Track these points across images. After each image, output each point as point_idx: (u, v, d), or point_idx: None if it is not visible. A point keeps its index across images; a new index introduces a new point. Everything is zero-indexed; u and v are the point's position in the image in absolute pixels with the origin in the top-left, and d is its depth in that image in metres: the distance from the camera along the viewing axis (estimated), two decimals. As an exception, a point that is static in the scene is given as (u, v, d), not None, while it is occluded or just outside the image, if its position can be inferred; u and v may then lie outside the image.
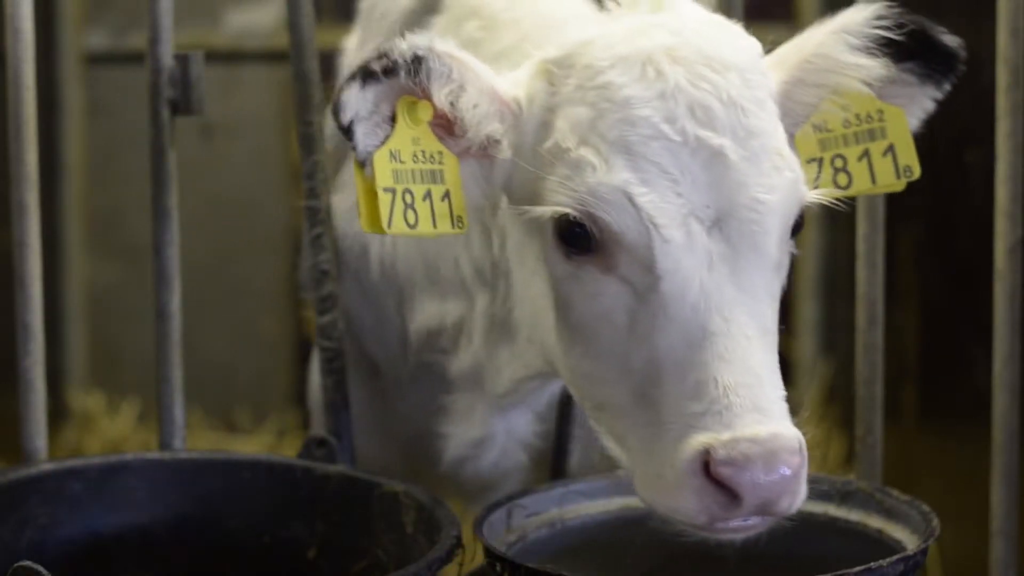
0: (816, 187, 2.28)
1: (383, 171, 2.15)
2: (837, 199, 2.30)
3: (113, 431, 5.02)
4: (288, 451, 4.14)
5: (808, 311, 5.12)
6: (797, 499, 2.12)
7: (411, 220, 2.18)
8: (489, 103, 2.21)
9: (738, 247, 2.13)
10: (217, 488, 2.62)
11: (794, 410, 2.23)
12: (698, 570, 2.61)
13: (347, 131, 2.15)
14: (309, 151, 2.72)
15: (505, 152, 2.23)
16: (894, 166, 2.33)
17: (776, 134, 2.20)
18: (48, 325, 2.69)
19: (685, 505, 2.10)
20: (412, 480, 2.62)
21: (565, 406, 2.77)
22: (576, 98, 2.18)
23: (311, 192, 2.73)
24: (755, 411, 2.06)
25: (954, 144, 3.29)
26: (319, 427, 2.90)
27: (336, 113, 2.14)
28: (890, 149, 2.32)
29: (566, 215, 2.15)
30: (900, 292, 3.70)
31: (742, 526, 2.14)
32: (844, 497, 2.57)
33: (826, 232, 5.08)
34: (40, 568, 2.06)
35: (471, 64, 2.21)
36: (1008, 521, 2.70)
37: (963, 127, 3.24)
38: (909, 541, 2.44)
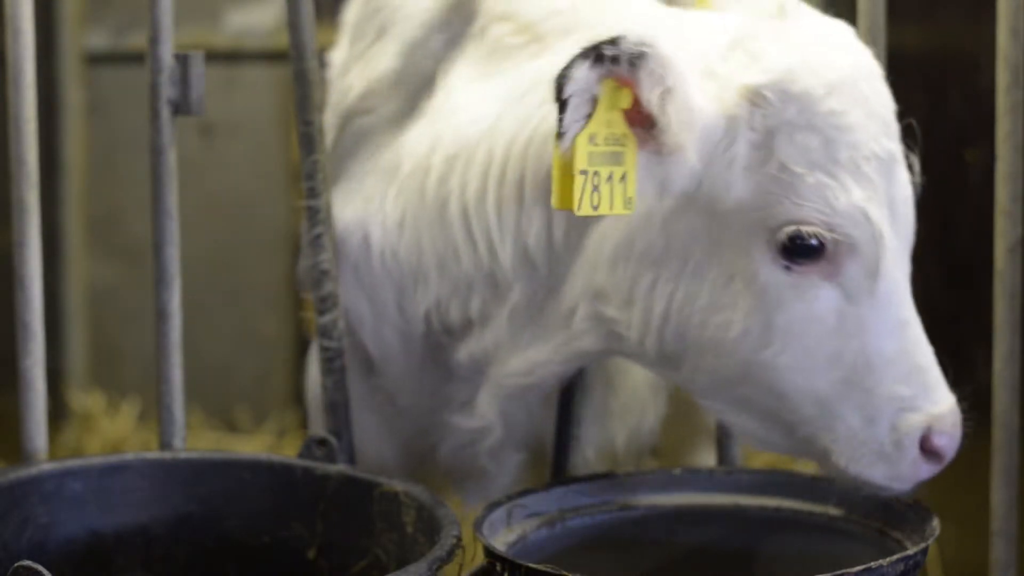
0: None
1: (582, 154, 2.30)
2: None
3: (113, 431, 5.01)
4: (288, 451, 4.13)
5: (808, 311, 5.10)
6: None
7: (595, 202, 2.33)
8: (688, 113, 2.34)
9: (903, 240, 2.44)
10: (217, 488, 2.62)
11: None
12: (698, 570, 2.62)
13: (562, 104, 2.28)
14: (309, 151, 2.72)
15: (691, 160, 2.36)
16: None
17: None
18: (48, 325, 2.69)
19: (902, 474, 2.43)
20: (410, 477, 2.63)
21: (565, 407, 2.77)
22: (801, 124, 2.36)
23: (311, 192, 2.73)
24: (940, 387, 2.42)
25: (954, 144, 3.29)
26: (317, 425, 2.90)
27: (560, 86, 2.27)
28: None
29: (797, 231, 2.36)
30: (900, 292, 3.69)
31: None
32: (844, 497, 2.57)
33: (826, 232, 5.07)
34: (40, 568, 2.06)
35: (683, 71, 2.32)
36: (1008, 521, 2.70)
37: (962, 127, 3.24)
38: (909, 541, 2.44)
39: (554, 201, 2.32)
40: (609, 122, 2.32)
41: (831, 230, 2.35)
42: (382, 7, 2.90)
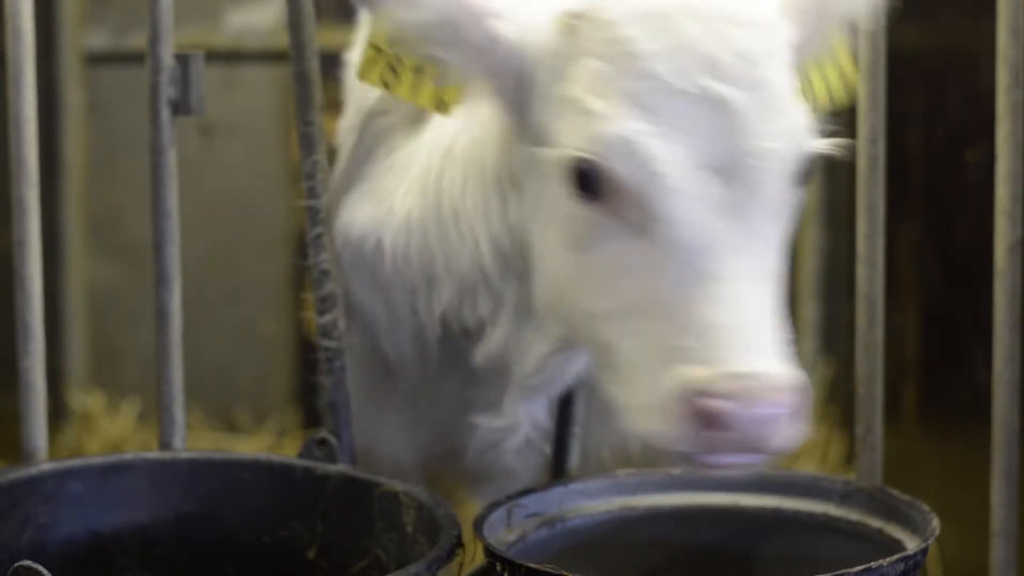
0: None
1: (377, 33, 2.40)
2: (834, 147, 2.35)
3: (113, 431, 5.02)
4: (288, 451, 4.14)
5: (808, 311, 5.12)
6: (788, 438, 2.14)
7: (388, 80, 2.38)
8: (482, 43, 2.33)
9: (744, 194, 2.20)
10: (217, 488, 2.62)
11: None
12: (698, 570, 2.62)
13: None
14: (309, 151, 2.72)
15: (509, 94, 2.35)
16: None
17: (786, 85, 2.28)
18: (48, 325, 2.69)
19: (669, 434, 2.14)
20: (428, 478, 2.62)
21: (565, 406, 2.77)
22: (593, 50, 2.26)
23: (311, 192, 2.73)
24: (744, 350, 2.12)
25: (953, 144, 3.29)
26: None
27: None
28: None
29: (576, 160, 2.24)
30: (900, 292, 3.70)
31: (733, 462, 2.16)
32: (844, 497, 2.57)
33: (826, 232, 5.08)
34: (40, 568, 2.06)
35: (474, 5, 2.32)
36: (1008, 521, 2.70)
37: (962, 127, 3.25)
38: (909, 541, 2.44)
39: (356, 72, 2.44)
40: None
41: (595, 161, 2.21)
42: None
